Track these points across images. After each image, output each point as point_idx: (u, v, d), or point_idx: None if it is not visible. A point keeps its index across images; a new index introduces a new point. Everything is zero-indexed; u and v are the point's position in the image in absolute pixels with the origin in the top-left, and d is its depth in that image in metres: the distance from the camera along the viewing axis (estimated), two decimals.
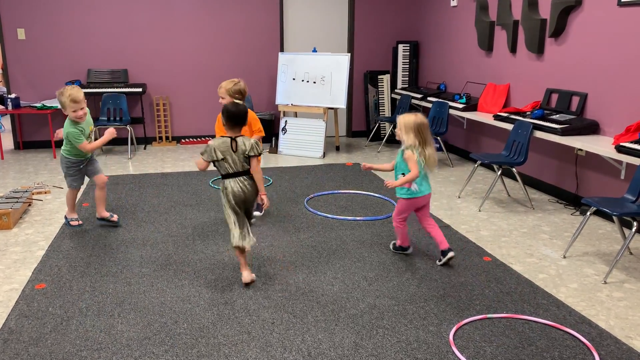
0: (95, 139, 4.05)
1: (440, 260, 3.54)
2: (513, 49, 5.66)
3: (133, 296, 3.08)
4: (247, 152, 3.11)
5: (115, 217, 4.20)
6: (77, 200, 4.26)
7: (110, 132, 3.91)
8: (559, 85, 5.03)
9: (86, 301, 3.02)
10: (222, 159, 3.09)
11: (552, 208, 4.82)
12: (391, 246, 3.80)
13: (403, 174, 3.45)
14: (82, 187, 4.32)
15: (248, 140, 3.15)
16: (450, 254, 3.48)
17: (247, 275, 3.22)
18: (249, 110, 3.72)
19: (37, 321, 2.80)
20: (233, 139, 3.11)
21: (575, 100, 4.78)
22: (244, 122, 3.20)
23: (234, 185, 3.12)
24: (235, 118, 3.13)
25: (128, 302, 3.00)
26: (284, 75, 7.09)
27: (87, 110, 3.90)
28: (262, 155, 3.25)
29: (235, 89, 4.00)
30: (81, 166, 4.04)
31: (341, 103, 6.79)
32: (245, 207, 3.19)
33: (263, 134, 4.20)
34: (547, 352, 2.56)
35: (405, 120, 3.43)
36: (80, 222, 4.19)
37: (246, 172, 3.16)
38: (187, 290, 3.16)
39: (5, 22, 6.82)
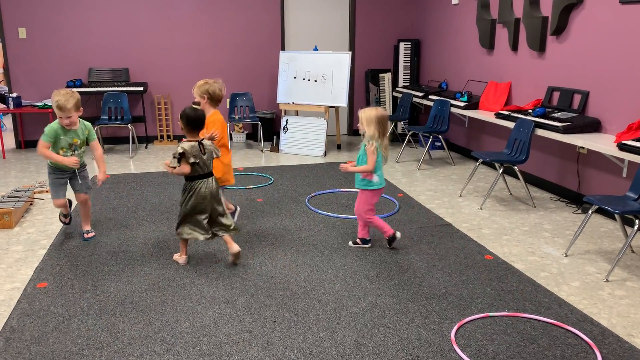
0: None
1: (354, 243, 3.81)
2: (514, 47, 5.65)
3: (134, 295, 3.08)
4: (212, 156, 3.42)
5: (90, 234, 3.93)
6: (72, 207, 4.13)
7: (71, 162, 3.62)
8: (560, 83, 5.02)
9: (88, 300, 3.02)
10: (196, 163, 3.31)
11: (554, 206, 4.82)
12: (387, 244, 3.78)
13: None
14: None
15: (207, 142, 3.42)
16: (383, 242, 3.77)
17: (180, 258, 3.54)
18: (217, 114, 3.85)
19: (38, 320, 2.80)
20: (200, 143, 3.34)
21: (577, 98, 4.77)
22: (202, 126, 3.41)
23: (203, 186, 3.35)
24: (194, 122, 3.34)
25: (129, 301, 3.01)
26: (285, 74, 7.09)
27: (76, 121, 3.62)
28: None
29: (204, 89, 3.83)
30: (61, 177, 3.77)
31: (342, 101, 6.78)
32: (212, 204, 3.40)
33: (228, 147, 4.01)
34: (549, 351, 2.56)
35: (368, 114, 3.59)
36: (67, 220, 4.06)
37: (212, 173, 3.44)
38: (189, 288, 3.16)
39: (6, 21, 6.82)
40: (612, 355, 2.52)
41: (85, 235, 3.91)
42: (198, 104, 3.72)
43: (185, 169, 3.30)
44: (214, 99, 3.86)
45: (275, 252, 3.70)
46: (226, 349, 2.55)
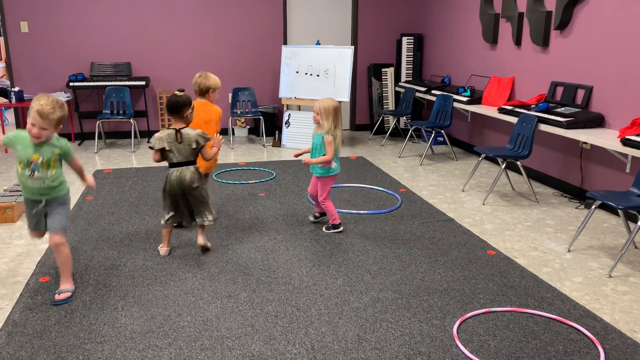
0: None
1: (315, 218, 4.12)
2: (518, 41, 5.63)
3: (136, 289, 3.08)
4: (192, 145, 3.35)
5: (62, 295, 2.93)
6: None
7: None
8: (564, 78, 4.99)
9: (90, 294, 3.02)
10: (168, 150, 3.33)
11: (557, 202, 4.80)
12: (325, 229, 4.00)
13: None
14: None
15: (193, 131, 3.37)
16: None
17: (161, 249, 3.57)
18: (212, 107, 3.96)
19: (41, 314, 2.80)
20: (178, 131, 3.33)
21: (581, 93, 4.74)
22: (179, 111, 3.35)
23: (174, 174, 3.36)
24: (169, 108, 3.35)
25: (131, 295, 3.01)
26: (287, 69, 7.07)
27: (49, 137, 2.85)
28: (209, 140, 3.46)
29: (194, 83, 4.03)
30: (29, 203, 2.96)
31: (345, 96, 6.76)
32: (183, 194, 3.40)
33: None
34: (552, 346, 2.55)
35: (325, 105, 3.74)
36: (68, 294, 2.97)
37: (190, 163, 3.40)
38: (191, 283, 3.16)
39: (8, 15, 6.81)
40: (615, 351, 2.52)
41: (56, 297, 2.92)
42: (182, 90, 3.67)
43: (154, 156, 3.37)
44: (195, 90, 4.00)
45: (277, 247, 3.69)
46: (228, 344, 2.55)
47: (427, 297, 3.01)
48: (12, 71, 6.99)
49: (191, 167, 3.40)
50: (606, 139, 4.09)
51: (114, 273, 3.28)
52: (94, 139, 6.82)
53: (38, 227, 3.02)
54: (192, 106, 3.41)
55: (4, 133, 6.69)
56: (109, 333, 2.63)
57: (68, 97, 6.89)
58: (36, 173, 2.85)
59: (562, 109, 4.72)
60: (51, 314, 2.80)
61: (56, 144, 2.91)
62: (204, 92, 3.96)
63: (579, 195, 4.85)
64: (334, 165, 3.85)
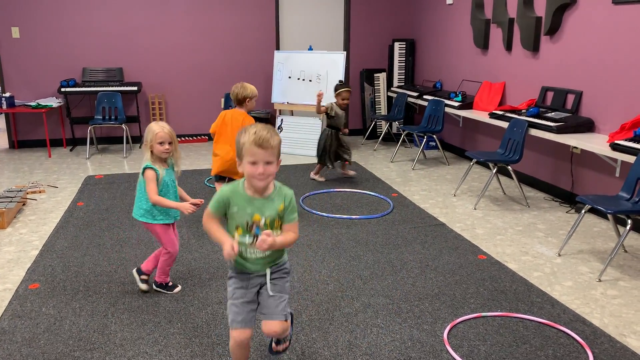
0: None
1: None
2: (509, 47, 5.66)
3: (127, 296, 3.06)
4: None
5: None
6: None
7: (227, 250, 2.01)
8: (554, 83, 5.03)
9: (79, 301, 3.00)
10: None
11: (548, 206, 4.82)
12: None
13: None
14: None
15: None
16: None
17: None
18: (248, 117, 4.23)
19: (30, 321, 2.79)
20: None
21: (571, 98, 4.78)
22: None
23: None
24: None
25: (122, 302, 2.99)
26: (280, 74, 7.08)
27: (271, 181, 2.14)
28: None
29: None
30: (244, 286, 2.18)
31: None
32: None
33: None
34: (541, 351, 2.56)
35: None
36: None
37: None
38: (181, 289, 3.15)
39: None
40: (604, 355, 2.53)
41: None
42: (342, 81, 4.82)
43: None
44: (233, 99, 4.30)
45: None
46: (218, 350, 2.54)
47: (418, 302, 3.02)
48: (3, 77, 6.96)
49: None
50: (596, 143, 4.12)
51: (104, 279, 3.27)
52: (86, 144, 6.79)
53: (248, 324, 2.13)
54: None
55: None
56: (98, 340, 2.62)
57: (59, 102, 6.86)
58: (259, 238, 2.05)
59: (553, 113, 4.75)
60: (40, 321, 2.79)
61: (277, 194, 2.19)
62: (241, 101, 4.26)
63: (569, 199, 4.87)
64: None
